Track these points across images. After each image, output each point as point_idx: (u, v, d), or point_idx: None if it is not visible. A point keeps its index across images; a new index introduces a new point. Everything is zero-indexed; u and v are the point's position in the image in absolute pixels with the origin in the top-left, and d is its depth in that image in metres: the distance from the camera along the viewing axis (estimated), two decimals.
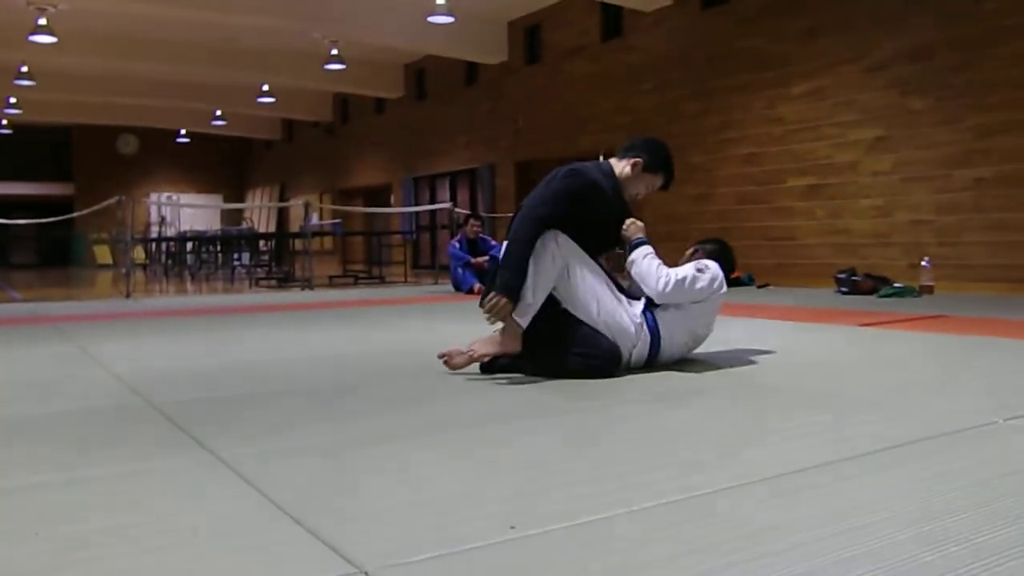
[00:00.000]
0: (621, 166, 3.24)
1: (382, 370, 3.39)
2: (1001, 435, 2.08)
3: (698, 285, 3.03)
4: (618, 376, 2.93)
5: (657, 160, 3.25)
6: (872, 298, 6.77)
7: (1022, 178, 6.97)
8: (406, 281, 11.60)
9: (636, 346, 2.98)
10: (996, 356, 3.50)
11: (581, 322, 2.95)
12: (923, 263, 7.18)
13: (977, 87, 7.26)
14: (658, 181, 3.27)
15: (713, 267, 3.12)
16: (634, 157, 3.23)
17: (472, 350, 2.99)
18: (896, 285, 6.98)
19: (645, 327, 3.00)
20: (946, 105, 7.49)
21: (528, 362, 3.00)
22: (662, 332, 3.01)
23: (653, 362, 3.04)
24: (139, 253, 19.24)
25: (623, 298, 3.05)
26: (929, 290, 7.05)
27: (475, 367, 3.06)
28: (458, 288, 8.62)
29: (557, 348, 2.95)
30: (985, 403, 2.45)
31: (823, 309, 5.82)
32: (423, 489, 1.68)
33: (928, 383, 2.84)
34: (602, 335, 2.93)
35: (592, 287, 2.97)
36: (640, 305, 3.05)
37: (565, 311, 2.98)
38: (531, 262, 2.91)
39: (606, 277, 3.06)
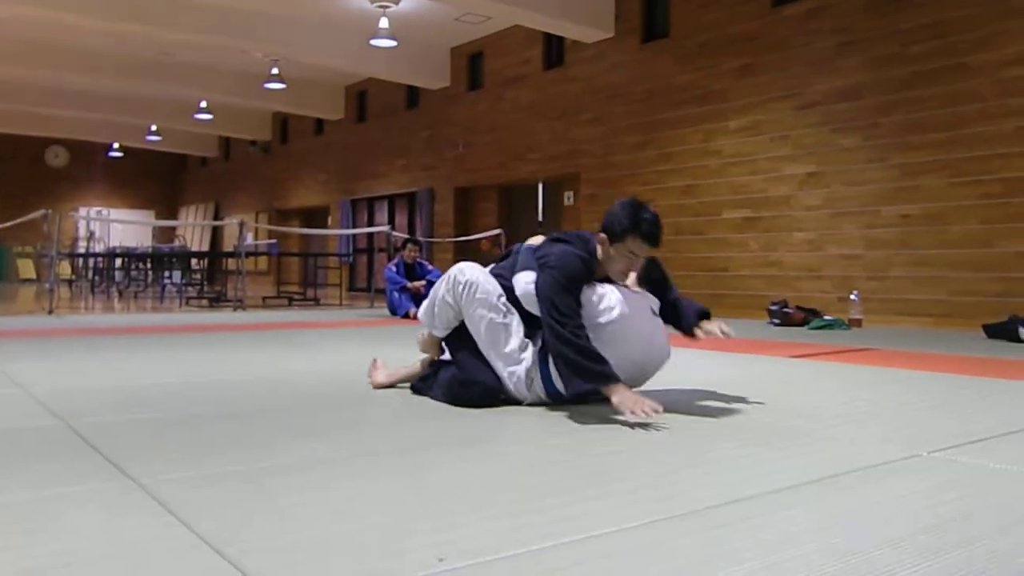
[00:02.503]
0: (598, 248, 2.92)
1: (312, 394, 3.32)
2: (925, 468, 2.12)
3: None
4: (525, 406, 2.92)
5: (616, 224, 2.84)
6: (803, 330, 6.91)
7: (945, 216, 7.22)
8: (341, 304, 11.46)
9: (533, 381, 2.89)
10: (921, 389, 3.58)
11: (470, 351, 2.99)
12: (852, 296, 7.36)
13: (903, 127, 7.52)
14: (634, 245, 2.83)
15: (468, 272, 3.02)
16: (600, 231, 2.90)
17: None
18: (826, 318, 7.14)
19: (535, 365, 2.88)
20: (874, 144, 7.73)
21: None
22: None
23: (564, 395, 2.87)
24: (65, 268, 18.68)
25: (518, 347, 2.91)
26: (858, 323, 7.22)
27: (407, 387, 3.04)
28: (394, 312, 8.55)
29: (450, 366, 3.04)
30: (910, 436, 2.50)
31: (756, 340, 5.91)
32: (350, 519, 1.64)
33: (855, 415, 2.89)
34: (486, 367, 2.94)
35: (490, 337, 2.94)
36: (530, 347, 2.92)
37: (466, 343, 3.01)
38: (439, 310, 3.03)
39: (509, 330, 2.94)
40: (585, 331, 2.69)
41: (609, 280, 2.91)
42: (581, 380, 2.62)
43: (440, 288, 3.05)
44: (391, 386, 3.36)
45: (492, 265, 3.21)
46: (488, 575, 1.35)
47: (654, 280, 3.05)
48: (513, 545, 1.47)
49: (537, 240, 3.10)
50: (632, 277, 2.97)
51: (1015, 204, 6.79)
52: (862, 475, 2.01)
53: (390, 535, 1.53)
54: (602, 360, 2.63)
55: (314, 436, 2.47)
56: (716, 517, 1.66)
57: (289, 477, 1.97)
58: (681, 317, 3.05)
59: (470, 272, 3.00)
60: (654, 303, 2.95)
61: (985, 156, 6.97)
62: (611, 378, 2.60)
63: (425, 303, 3.15)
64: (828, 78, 8.10)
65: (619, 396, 2.57)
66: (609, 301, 2.79)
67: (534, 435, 2.52)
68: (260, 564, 1.36)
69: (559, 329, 2.66)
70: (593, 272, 2.87)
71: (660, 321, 2.96)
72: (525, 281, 2.86)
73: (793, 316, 7.31)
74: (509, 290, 2.96)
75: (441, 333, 3.09)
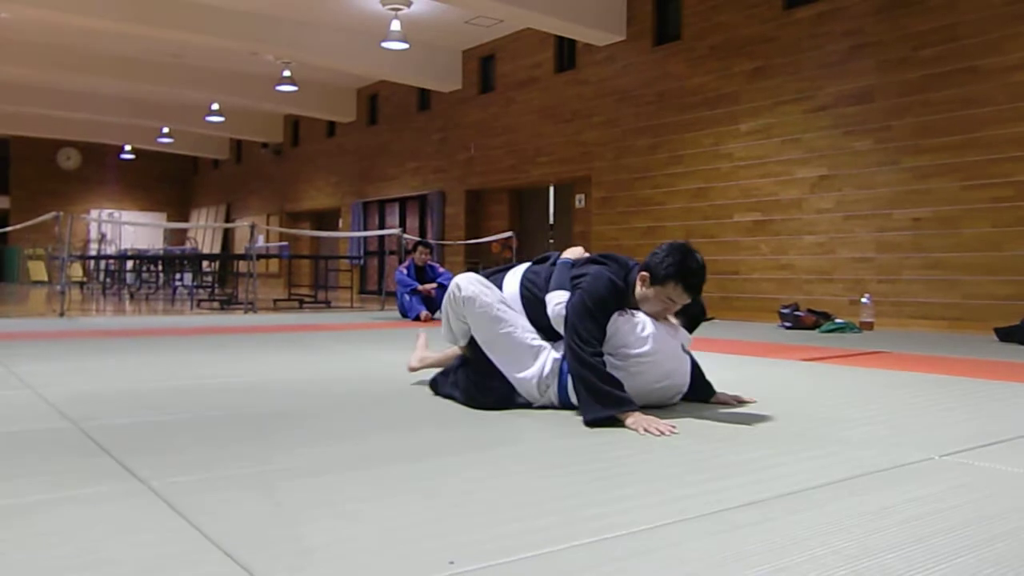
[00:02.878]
0: (637, 283, 2.88)
1: (323, 398, 3.33)
2: (937, 471, 2.11)
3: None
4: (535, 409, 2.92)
5: (660, 267, 2.79)
6: (814, 333, 6.88)
7: (957, 219, 7.19)
8: (352, 306, 11.48)
9: (549, 387, 2.90)
10: (932, 393, 3.56)
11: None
12: (863, 300, 7.33)
13: (914, 131, 7.49)
14: (672, 292, 2.79)
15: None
16: (642, 270, 2.87)
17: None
18: (838, 321, 7.11)
19: (553, 374, 2.89)
20: (886, 147, 7.71)
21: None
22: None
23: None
24: (76, 271, 18.77)
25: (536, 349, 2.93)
26: (869, 326, 7.19)
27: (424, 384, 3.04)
28: (404, 315, 8.56)
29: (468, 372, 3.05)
30: (921, 439, 2.49)
31: (767, 343, 5.90)
32: (361, 523, 1.64)
33: (867, 419, 2.88)
34: (499, 374, 2.96)
35: (505, 347, 2.95)
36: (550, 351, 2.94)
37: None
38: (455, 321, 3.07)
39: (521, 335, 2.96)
40: (602, 357, 2.70)
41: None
42: (599, 405, 2.61)
43: (446, 307, 3.13)
44: (421, 368, 3.54)
45: (490, 269, 3.26)
46: None
47: (692, 315, 3.08)
48: (525, 548, 1.46)
49: (575, 252, 3.12)
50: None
51: None
52: (874, 479, 2.01)
53: (401, 538, 1.53)
54: (619, 386, 2.64)
55: (325, 439, 2.47)
56: (728, 520, 1.66)
57: (300, 480, 1.97)
58: (696, 385, 3.05)
59: (467, 287, 3.02)
60: (686, 339, 2.95)
61: (997, 159, 6.93)
62: (627, 404, 2.61)
63: (442, 326, 3.21)
64: (839, 81, 8.08)
65: (633, 418, 2.58)
66: (644, 332, 2.80)
67: (545, 438, 2.51)
68: (270, 567, 1.37)
69: (579, 353, 2.68)
70: (625, 300, 2.86)
71: (687, 357, 2.97)
72: (556, 302, 2.88)
73: (804, 319, 7.28)
74: (538, 300, 2.98)
75: (465, 341, 3.13)
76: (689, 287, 2.79)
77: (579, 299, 2.77)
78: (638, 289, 2.85)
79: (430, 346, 3.67)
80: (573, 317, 2.74)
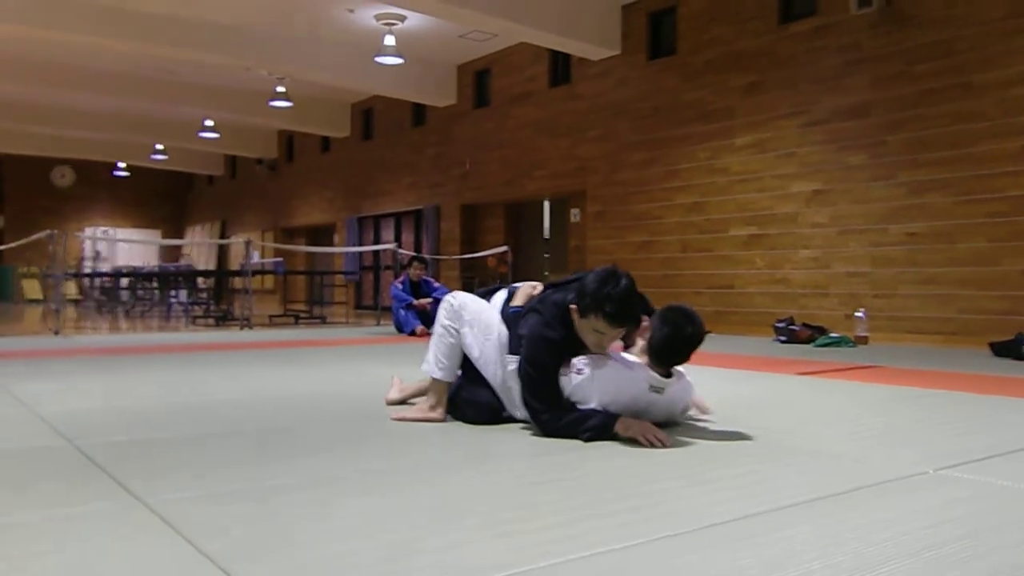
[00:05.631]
0: (573, 316, 2.75)
1: (318, 413, 3.32)
2: (931, 485, 2.11)
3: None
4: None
5: (583, 297, 2.66)
6: (809, 347, 6.89)
7: (952, 234, 7.21)
8: (348, 322, 11.47)
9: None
10: (927, 407, 3.57)
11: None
12: (858, 314, 7.34)
13: (910, 145, 7.52)
14: (597, 324, 2.65)
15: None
16: (572, 301, 2.73)
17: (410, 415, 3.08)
18: (832, 335, 7.12)
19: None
20: (881, 162, 7.74)
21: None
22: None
23: None
24: (71, 289, 18.73)
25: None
26: (864, 340, 7.20)
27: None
28: (400, 330, 8.55)
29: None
30: (916, 453, 2.49)
31: (762, 357, 5.90)
32: (356, 537, 1.64)
33: (862, 433, 2.88)
34: (488, 386, 2.97)
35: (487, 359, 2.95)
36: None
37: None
38: (442, 349, 3.00)
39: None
40: (564, 408, 2.70)
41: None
42: (581, 439, 2.61)
43: (437, 326, 3.06)
44: (403, 401, 3.39)
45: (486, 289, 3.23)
46: None
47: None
48: (520, 563, 1.46)
49: (524, 292, 3.03)
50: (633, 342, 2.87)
51: (1021, 222, 6.78)
52: (868, 492, 2.01)
53: (396, 553, 1.53)
54: (590, 418, 2.63)
55: (320, 454, 2.47)
56: (721, 534, 1.66)
57: (295, 495, 1.97)
58: None
59: (460, 296, 3.05)
60: (656, 381, 2.72)
61: (991, 175, 6.96)
62: (607, 425, 2.60)
63: (429, 357, 3.05)
64: (835, 96, 8.12)
65: (623, 425, 2.58)
66: (576, 378, 2.71)
67: (538, 452, 2.51)
68: None
69: (541, 420, 2.71)
70: (568, 343, 2.74)
71: (652, 396, 2.74)
72: (514, 367, 2.84)
73: (799, 333, 7.29)
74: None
75: (443, 373, 3.03)
76: (611, 317, 2.62)
77: (523, 372, 2.76)
78: (576, 323, 2.72)
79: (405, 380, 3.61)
80: (526, 393, 2.77)
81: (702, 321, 2.71)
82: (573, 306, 2.72)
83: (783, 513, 1.82)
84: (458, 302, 3.02)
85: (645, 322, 2.81)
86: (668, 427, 2.80)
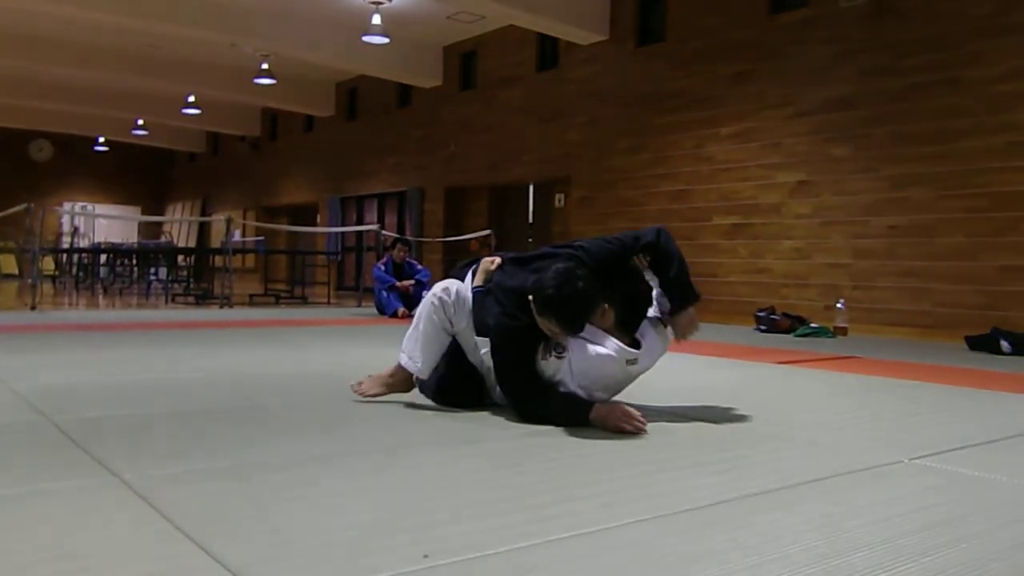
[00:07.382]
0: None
1: (297, 392, 3.32)
2: (905, 473, 2.14)
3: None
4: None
5: (536, 301, 2.64)
6: (789, 337, 6.94)
7: (932, 228, 7.26)
8: (329, 302, 11.43)
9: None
10: (904, 397, 3.61)
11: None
12: (838, 305, 7.39)
13: (894, 139, 7.56)
14: (547, 325, 2.64)
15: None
16: (530, 292, 2.68)
17: (362, 387, 3.04)
18: (812, 325, 7.17)
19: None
20: (865, 154, 7.77)
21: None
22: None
23: None
24: (49, 264, 18.53)
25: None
26: (843, 331, 7.26)
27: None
28: (382, 311, 8.53)
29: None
30: (892, 442, 2.52)
31: (743, 346, 5.94)
32: (336, 516, 1.64)
33: (839, 422, 2.91)
34: (471, 370, 2.98)
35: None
36: None
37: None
38: (423, 339, 2.93)
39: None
40: (539, 390, 2.70)
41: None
42: (557, 424, 2.62)
43: (420, 318, 2.97)
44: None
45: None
46: (473, 572, 1.35)
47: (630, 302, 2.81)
48: (498, 543, 1.47)
49: (485, 266, 2.97)
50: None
51: (1001, 218, 6.84)
52: (844, 480, 2.03)
53: (376, 532, 1.54)
54: (567, 406, 2.64)
55: (301, 434, 2.47)
56: (699, 518, 1.67)
57: (275, 474, 1.97)
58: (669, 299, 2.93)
59: (452, 284, 2.98)
60: (629, 354, 2.71)
61: (974, 170, 7.01)
62: (583, 412, 2.60)
63: (406, 344, 3.00)
64: (821, 88, 8.14)
65: (599, 416, 2.57)
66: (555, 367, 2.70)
67: (519, 435, 2.52)
68: (244, 559, 1.36)
69: (519, 406, 2.75)
70: (531, 329, 2.70)
71: (617, 357, 2.70)
72: (487, 351, 2.85)
73: (780, 323, 7.34)
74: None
75: (422, 363, 2.96)
76: (565, 323, 2.60)
77: (496, 361, 2.78)
78: (534, 312, 2.67)
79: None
80: (500, 381, 2.80)
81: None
82: (531, 297, 2.68)
83: (761, 498, 1.83)
84: (454, 287, 2.95)
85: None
86: (640, 407, 2.81)
